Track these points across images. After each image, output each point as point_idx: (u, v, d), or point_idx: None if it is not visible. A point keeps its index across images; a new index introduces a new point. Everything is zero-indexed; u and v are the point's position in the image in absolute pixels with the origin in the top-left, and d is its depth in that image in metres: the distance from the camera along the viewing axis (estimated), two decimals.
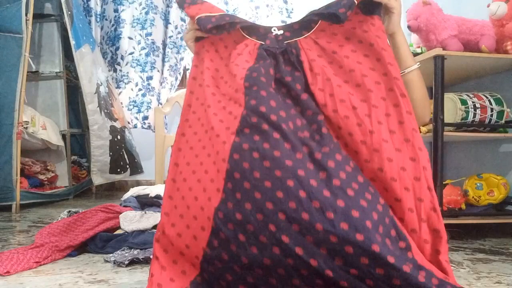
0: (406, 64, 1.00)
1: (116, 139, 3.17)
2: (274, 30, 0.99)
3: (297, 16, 3.69)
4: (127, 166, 3.26)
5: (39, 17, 3.13)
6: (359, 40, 0.92)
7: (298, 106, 0.89)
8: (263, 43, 0.97)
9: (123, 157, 3.23)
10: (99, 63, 3.25)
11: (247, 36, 1.00)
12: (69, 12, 2.93)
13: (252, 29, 1.00)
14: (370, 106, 0.85)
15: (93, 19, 3.49)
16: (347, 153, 0.84)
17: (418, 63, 1.01)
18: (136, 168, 3.36)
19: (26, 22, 2.57)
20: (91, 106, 2.98)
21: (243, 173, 0.80)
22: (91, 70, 3.04)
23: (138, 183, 3.31)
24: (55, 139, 2.99)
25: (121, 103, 3.48)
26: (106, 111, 3.11)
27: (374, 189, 0.80)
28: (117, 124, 3.20)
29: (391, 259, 0.72)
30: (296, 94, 0.90)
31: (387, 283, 0.72)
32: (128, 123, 3.49)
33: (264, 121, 0.83)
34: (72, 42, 2.92)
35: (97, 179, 3.17)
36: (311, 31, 0.97)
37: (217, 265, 0.82)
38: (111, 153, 3.13)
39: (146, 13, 3.56)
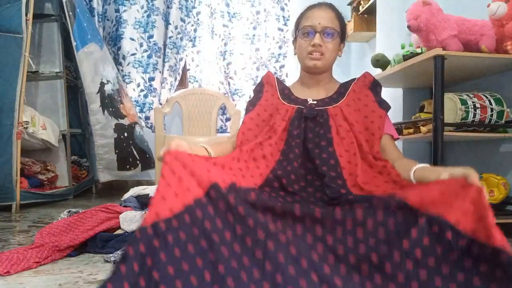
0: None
1: (122, 137, 3.15)
2: (310, 100, 1.30)
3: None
4: (138, 162, 3.26)
5: (39, 17, 3.12)
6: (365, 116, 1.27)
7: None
8: (301, 107, 1.27)
9: (132, 154, 3.23)
10: (109, 61, 3.25)
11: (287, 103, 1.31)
12: (70, 13, 2.92)
13: (292, 99, 1.32)
14: None
15: (95, 19, 3.48)
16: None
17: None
18: (148, 163, 3.36)
19: (26, 22, 2.57)
20: (93, 106, 2.98)
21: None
22: (95, 69, 3.03)
23: (138, 183, 3.30)
24: (54, 140, 2.99)
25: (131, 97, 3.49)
26: (111, 109, 3.09)
27: None
28: (125, 121, 3.19)
29: None
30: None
31: None
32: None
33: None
34: (74, 43, 2.91)
35: (104, 177, 3.17)
36: (339, 103, 1.27)
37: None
38: (117, 151, 3.13)
39: (148, 16, 3.56)
